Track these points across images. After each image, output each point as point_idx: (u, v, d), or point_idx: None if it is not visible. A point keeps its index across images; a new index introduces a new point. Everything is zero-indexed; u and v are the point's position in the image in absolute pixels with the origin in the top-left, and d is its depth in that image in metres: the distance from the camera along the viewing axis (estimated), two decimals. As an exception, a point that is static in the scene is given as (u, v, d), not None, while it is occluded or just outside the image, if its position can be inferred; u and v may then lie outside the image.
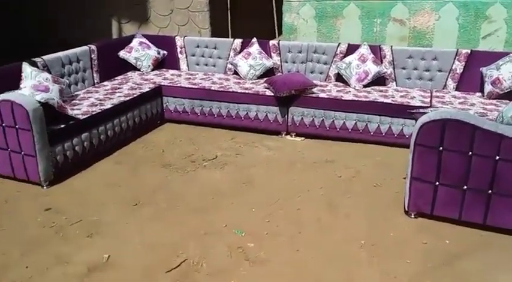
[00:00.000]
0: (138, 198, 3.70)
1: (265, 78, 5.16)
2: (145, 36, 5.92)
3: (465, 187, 3.11)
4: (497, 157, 2.97)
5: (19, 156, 3.81)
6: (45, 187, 3.85)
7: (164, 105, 5.26)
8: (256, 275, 2.80)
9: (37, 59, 4.58)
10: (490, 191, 3.06)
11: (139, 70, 5.74)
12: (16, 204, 3.64)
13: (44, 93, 4.10)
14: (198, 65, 5.83)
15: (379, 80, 5.03)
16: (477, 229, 3.19)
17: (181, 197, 3.72)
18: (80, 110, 4.33)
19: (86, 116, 4.20)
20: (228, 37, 7.61)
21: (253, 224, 3.32)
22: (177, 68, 5.88)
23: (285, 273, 2.82)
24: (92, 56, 5.23)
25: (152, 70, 5.74)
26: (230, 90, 5.00)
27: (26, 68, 4.32)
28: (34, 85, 4.21)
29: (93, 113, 4.29)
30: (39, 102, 3.76)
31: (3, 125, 3.76)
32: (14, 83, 4.21)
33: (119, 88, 5.05)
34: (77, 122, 4.07)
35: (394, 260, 2.92)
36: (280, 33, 7.85)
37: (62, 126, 3.94)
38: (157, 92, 5.17)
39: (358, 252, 3.01)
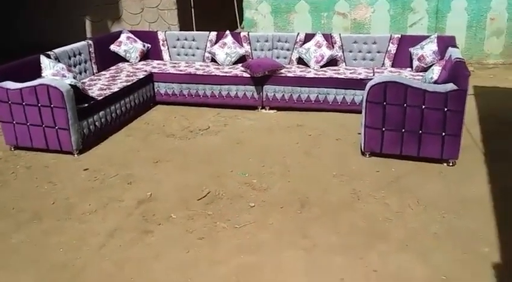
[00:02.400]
0: (157, 157, 4.67)
1: (240, 64, 6.24)
2: (131, 31, 6.80)
3: (403, 130, 4.35)
4: (423, 106, 4.23)
5: (53, 130, 4.64)
6: (76, 155, 4.72)
7: (156, 90, 6.20)
8: (262, 196, 3.89)
9: (50, 52, 5.38)
10: (420, 131, 4.31)
11: (128, 61, 6.61)
12: (57, 168, 4.50)
13: (66, 79, 4.94)
14: (179, 55, 6.79)
15: (332, 62, 6.23)
16: (413, 161, 4.44)
17: (190, 155, 4.73)
18: (94, 93, 5.20)
19: (102, 97, 5.08)
20: (192, 31, 8.57)
21: (252, 168, 4.40)
22: (161, 58, 6.81)
23: (282, 194, 3.93)
24: (90, 49, 6.07)
25: (139, 61, 6.63)
26: (213, 74, 6.03)
27: (44, 59, 5.13)
28: (53, 73, 5.05)
29: (106, 94, 5.18)
30: (70, 84, 4.62)
31: (39, 105, 4.58)
32: (35, 72, 5.01)
33: (116, 76, 5.93)
34: (96, 101, 4.95)
35: (358, 182, 4.11)
36: (240, 24, 8.93)
37: (86, 105, 4.81)
38: (149, 78, 6.09)
39: (332, 179, 4.18)
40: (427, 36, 5.93)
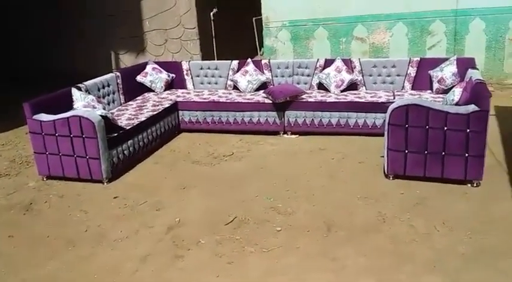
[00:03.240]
0: (183, 184, 4.79)
1: (261, 90, 6.40)
2: (156, 62, 7.06)
3: (426, 152, 4.39)
4: (445, 128, 4.27)
5: (84, 160, 4.82)
6: (105, 183, 4.87)
7: (180, 118, 6.38)
8: (288, 221, 3.95)
9: (81, 85, 5.62)
10: (443, 153, 4.34)
11: (153, 91, 6.85)
12: (88, 196, 4.65)
13: (97, 110, 5.15)
14: (202, 84, 7.00)
15: (352, 86, 6.34)
16: (437, 182, 4.45)
17: (216, 181, 4.83)
18: (122, 123, 5.40)
19: (130, 127, 5.27)
20: (214, 59, 8.82)
21: (277, 192, 4.48)
22: (184, 87, 7.03)
23: (307, 218, 3.98)
24: (118, 80, 6.32)
25: (164, 90, 6.86)
26: (235, 101, 6.19)
27: (76, 92, 5.37)
28: (84, 105, 5.27)
29: (134, 124, 5.37)
30: (100, 115, 4.82)
31: (71, 135, 4.78)
32: (67, 104, 5.24)
33: (143, 106, 6.14)
34: (125, 131, 5.14)
35: (382, 205, 4.14)
36: (260, 50, 9.15)
37: (115, 134, 4.99)
38: (174, 106, 6.29)
39: (357, 202, 4.22)
40: (447, 59, 6.00)
